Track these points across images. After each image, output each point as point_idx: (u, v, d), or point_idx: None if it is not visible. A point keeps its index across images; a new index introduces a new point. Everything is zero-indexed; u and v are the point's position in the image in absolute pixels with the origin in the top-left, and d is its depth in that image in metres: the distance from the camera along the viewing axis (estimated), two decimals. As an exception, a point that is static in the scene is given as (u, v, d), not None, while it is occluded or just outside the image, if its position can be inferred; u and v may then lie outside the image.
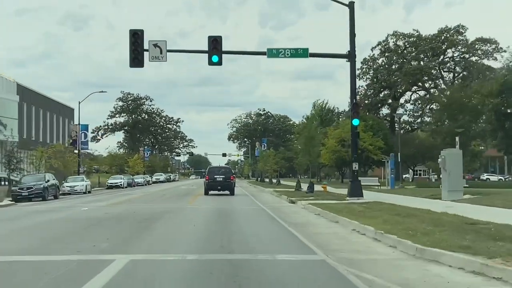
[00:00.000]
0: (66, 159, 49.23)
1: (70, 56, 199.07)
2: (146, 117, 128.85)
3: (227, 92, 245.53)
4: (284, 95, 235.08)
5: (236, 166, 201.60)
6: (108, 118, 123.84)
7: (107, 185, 57.16)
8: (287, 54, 24.62)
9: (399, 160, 44.82)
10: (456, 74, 76.27)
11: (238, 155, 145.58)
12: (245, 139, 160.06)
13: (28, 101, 58.32)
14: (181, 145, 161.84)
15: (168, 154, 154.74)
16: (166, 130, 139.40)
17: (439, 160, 24.76)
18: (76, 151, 55.62)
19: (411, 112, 78.73)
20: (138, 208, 21.98)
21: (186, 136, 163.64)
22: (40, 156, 44.18)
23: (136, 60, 24.07)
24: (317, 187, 35.97)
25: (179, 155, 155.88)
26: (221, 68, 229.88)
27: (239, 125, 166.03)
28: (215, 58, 24.15)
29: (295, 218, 16.85)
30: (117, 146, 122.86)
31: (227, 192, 33.37)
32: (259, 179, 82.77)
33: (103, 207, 23.88)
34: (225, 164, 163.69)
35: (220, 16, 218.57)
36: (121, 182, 58.10)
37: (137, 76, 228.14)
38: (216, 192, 33.38)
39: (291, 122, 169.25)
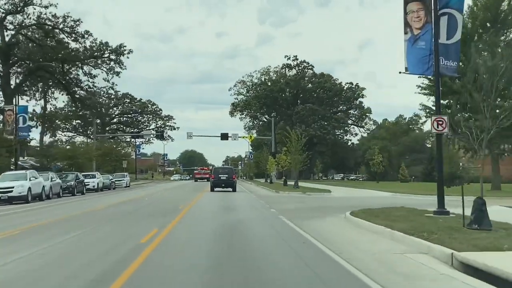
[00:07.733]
0: None
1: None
2: (44, 37, 53.18)
3: (225, 89, 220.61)
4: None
5: (241, 163, 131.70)
6: None
7: None
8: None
9: None
10: None
11: (250, 136, 75.89)
12: (263, 110, 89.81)
13: None
14: (154, 124, 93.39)
15: (127, 136, 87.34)
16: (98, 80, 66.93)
17: None
18: None
19: None
20: None
21: (161, 111, 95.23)
22: None
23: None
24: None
25: (141, 137, 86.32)
26: (219, 65, 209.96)
27: (250, 89, 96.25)
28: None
29: None
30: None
31: (229, 189, 37.96)
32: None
33: None
34: (223, 162, 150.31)
35: (219, 12, 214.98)
36: None
37: (134, 73, 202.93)
38: (220, 189, 37.99)
39: (338, 82, 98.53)
